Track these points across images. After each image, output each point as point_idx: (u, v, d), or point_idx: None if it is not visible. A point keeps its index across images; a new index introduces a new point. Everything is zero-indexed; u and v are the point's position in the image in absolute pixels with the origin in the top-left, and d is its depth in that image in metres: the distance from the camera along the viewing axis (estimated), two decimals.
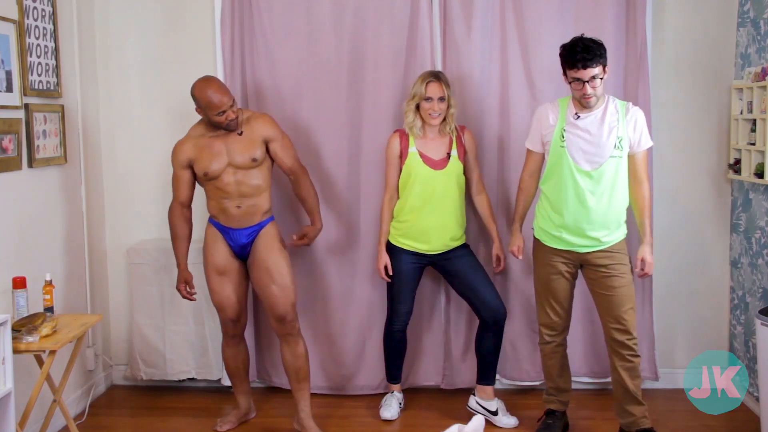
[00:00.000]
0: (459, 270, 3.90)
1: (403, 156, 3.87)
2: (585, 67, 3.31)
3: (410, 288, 3.96)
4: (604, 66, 3.37)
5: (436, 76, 3.80)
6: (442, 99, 3.78)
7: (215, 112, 3.54)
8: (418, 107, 3.83)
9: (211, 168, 3.61)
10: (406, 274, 3.92)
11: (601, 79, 3.37)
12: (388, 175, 3.93)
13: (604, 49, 3.36)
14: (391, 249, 3.94)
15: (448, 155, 3.85)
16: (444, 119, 3.84)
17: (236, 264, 3.77)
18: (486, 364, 3.96)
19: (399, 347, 4.08)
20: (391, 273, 3.93)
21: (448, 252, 3.90)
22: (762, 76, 3.78)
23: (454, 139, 3.88)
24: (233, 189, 3.64)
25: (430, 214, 3.83)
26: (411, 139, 3.86)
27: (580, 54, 3.31)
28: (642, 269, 3.53)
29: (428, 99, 3.77)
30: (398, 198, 3.93)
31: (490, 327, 3.89)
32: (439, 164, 3.84)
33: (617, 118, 3.42)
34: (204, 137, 3.68)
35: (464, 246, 3.96)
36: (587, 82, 3.33)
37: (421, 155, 3.84)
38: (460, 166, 3.88)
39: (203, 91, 3.53)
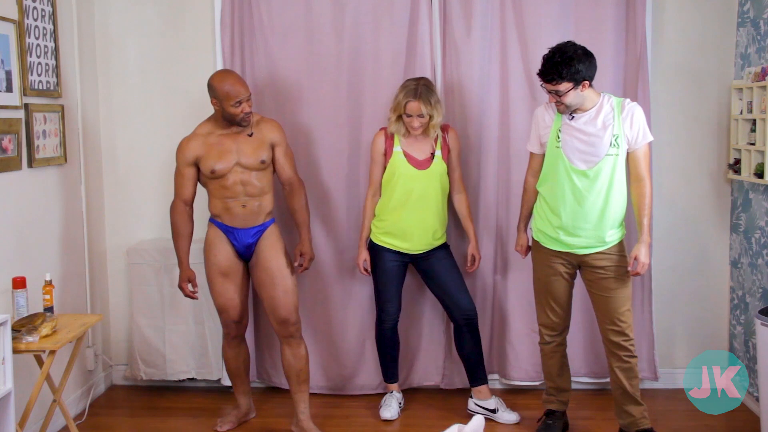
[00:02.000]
0: (436, 272, 3.93)
1: (387, 154, 3.88)
2: (545, 81, 3.34)
3: (395, 286, 3.98)
4: (576, 82, 3.31)
5: (416, 95, 3.74)
6: (421, 115, 3.77)
7: (232, 102, 3.54)
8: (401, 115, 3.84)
9: (218, 166, 3.61)
10: (390, 272, 3.94)
11: (570, 92, 3.32)
12: (372, 173, 3.95)
13: (579, 68, 3.28)
14: (374, 248, 3.96)
15: (432, 155, 3.86)
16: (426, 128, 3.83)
17: (240, 265, 3.77)
18: (472, 365, 3.98)
19: (392, 345, 4.08)
20: (369, 269, 3.97)
21: (429, 252, 3.92)
22: (762, 76, 3.78)
23: (438, 139, 3.89)
24: (239, 189, 3.64)
25: (411, 213, 3.84)
26: (396, 138, 3.87)
27: (543, 66, 3.33)
28: (634, 268, 3.51)
29: (408, 115, 3.78)
30: (381, 196, 3.94)
31: (463, 327, 3.93)
32: (423, 164, 3.85)
33: (613, 116, 3.41)
34: (212, 135, 3.67)
35: (444, 246, 3.98)
36: (550, 92, 3.37)
37: (406, 155, 3.85)
38: (443, 166, 3.89)
39: (222, 81, 3.55)
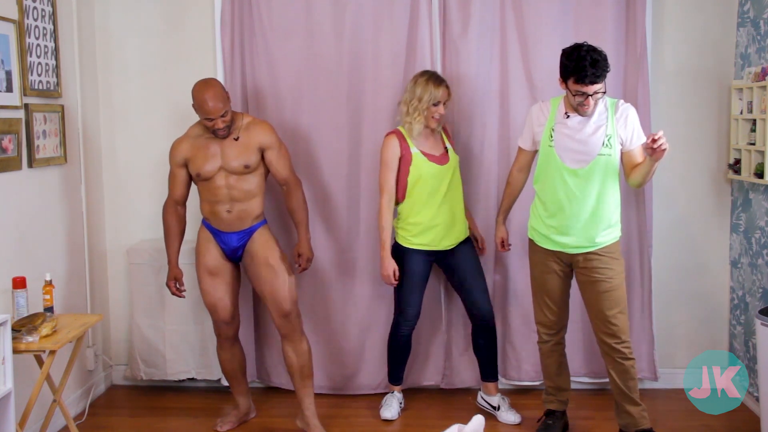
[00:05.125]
0: (459, 266, 3.91)
1: (404, 158, 3.83)
2: (592, 83, 3.27)
3: (420, 289, 3.94)
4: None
5: (444, 81, 3.79)
6: (446, 102, 3.80)
7: (204, 117, 3.56)
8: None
9: (204, 169, 3.62)
10: (418, 274, 3.90)
11: (603, 92, 3.34)
12: (387, 178, 3.82)
13: (608, 61, 3.30)
14: (402, 251, 3.90)
15: (446, 149, 3.87)
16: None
17: (228, 265, 3.78)
18: (484, 362, 4.00)
19: (404, 351, 4.07)
20: (398, 277, 3.89)
21: (456, 247, 3.90)
22: (762, 76, 3.78)
23: (443, 134, 3.90)
24: (224, 193, 3.64)
25: (443, 209, 3.82)
26: (409, 141, 3.85)
27: (589, 70, 3.23)
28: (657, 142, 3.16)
29: (437, 104, 3.76)
30: (404, 200, 3.87)
31: (479, 327, 3.94)
32: (442, 160, 3.84)
33: (606, 116, 3.41)
34: (201, 137, 3.68)
35: (468, 240, 3.97)
36: (591, 95, 3.31)
37: (425, 154, 3.83)
38: (457, 158, 3.92)
39: (200, 93, 3.53)
